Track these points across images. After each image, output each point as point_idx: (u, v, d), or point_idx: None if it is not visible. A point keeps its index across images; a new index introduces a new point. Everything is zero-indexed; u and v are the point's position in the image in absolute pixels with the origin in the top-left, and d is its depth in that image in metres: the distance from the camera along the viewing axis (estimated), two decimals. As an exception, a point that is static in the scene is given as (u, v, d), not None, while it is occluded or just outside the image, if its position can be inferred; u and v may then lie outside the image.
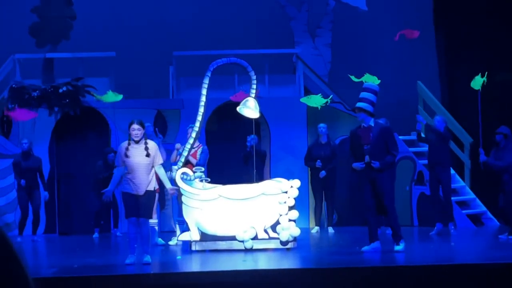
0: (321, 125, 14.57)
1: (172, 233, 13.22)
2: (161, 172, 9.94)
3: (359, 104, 10.69)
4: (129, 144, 9.86)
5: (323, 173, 14.33)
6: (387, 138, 10.66)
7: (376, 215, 10.81)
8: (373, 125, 10.67)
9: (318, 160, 14.31)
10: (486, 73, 12.51)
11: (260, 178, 13.51)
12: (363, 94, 10.78)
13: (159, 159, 9.96)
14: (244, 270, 9.37)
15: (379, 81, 12.43)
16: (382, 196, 10.56)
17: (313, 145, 14.60)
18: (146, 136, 10.04)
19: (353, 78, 12.87)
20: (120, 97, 13.84)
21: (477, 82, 12.67)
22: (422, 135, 14.04)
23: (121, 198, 13.47)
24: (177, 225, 12.39)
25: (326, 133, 14.53)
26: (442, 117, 14.05)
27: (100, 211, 14.47)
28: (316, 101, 13.87)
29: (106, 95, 13.87)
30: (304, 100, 14.37)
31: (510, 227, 12.38)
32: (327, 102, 13.95)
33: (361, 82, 11.82)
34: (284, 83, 16.08)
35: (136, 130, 9.86)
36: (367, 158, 10.52)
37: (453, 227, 13.59)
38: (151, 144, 9.97)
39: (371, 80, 12.40)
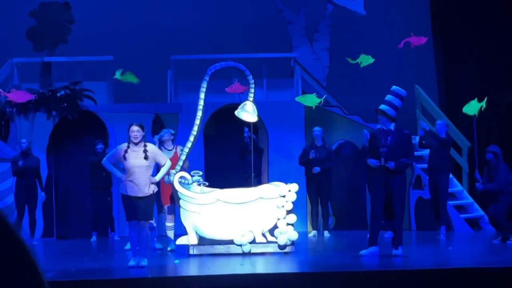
0: (316, 128, 14.56)
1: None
2: (166, 165, 9.99)
3: (382, 107, 10.59)
4: (128, 147, 9.87)
5: (316, 169, 14.26)
6: (405, 144, 10.58)
7: (381, 220, 10.76)
8: (393, 129, 10.58)
9: (315, 167, 14.26)
10: (486, 98, 12.25)
11: (258, 180, 13.50)
12: (388, 97, 10.67)
13: (163, 159, 9.99)
14: (242, 274, 9.37)
15: (373, 60, 12.42)
16: (392, 200, 10.48)
17: (308, 147, 14.54)
18: (145, 139, 10.03)
19: (349, 60, 12.91)
20: (137, 80, 13.93)
21: (473, 107, 12.41)
22: (423, 141, 13.88)
23: (117, 202, 13.46)
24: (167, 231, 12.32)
25: (321, 136, 14.53)
26: (444, 121, 13.91)
27: (97, 214, 14.44)
28: (310, 100, 13.85)
29: (125, 75, 13.87)
30: (299, 99, 14.40)
31: (502, 233, 12.39)
32: (321, 102, 13.97)
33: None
34: (282, 87, 16.09)
35: (135, 132, 9.88)
36: (382, 160, 10.48)
37: (444, 232, 13.34)
38: (151, 147, 9.99)
39: (365, 59, 12.41)
